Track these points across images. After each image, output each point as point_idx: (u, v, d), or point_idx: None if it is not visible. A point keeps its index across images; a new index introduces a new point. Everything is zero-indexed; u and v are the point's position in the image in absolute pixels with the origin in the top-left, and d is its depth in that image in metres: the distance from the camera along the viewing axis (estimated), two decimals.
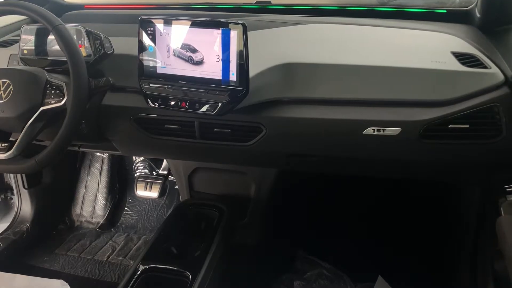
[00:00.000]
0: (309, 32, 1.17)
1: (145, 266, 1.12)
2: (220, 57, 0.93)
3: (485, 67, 0.98)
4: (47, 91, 0.98)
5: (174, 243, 1.21)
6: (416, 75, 0.98)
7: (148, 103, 1.03)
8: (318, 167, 1.22)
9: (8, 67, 1.14)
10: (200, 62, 0.95)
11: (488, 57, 1.01)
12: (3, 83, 0.99)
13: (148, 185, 1.58)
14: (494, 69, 0.98)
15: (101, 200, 1.98)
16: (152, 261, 1.14)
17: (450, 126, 0.96)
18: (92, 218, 1.97)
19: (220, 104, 0.96)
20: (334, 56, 1.04)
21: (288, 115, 1.01)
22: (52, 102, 0.98)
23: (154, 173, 1.92)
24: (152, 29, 0.97)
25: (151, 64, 1.00)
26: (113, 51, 1.09)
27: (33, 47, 1.09)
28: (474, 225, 1.33)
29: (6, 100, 0.98)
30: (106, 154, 2.01)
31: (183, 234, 1.27)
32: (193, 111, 0.99)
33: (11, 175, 1.75)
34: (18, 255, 1.67)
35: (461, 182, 1.42)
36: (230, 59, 0.92)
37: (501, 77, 0.96)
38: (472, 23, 1.21)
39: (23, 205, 1.75)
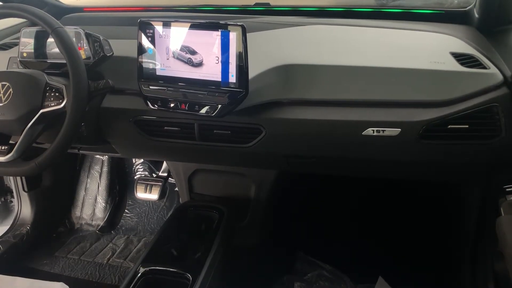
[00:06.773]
0: (308, 33, 1.17)
1: (146, 268, 1.12)
2: (220, 59, 0.93)
3: (484, 68, 0.98)
4: (47, 94, 0.98)
5: (174, 245, 1.21)
6: (415, 76, 0.98)
7: (147, 105, 1.03)
8: (318, 168, 1.22)
9: (8, 70, 1.14)
10: (199, 64, 0.95)
11: (487, 57, 1.01)
12: (3, 86, 0.99)
13: (148, 187, 1.58)
14: (493, 69, 0.98)
15: (101, 203, 1.98)
16: (152, 263, 1.14)
17: (449, 126, 0.96)
18: (92, 220, 1.97)
19: (219, 106, 0.96)
20: (333, 57, 1.04)
21: (288, 117, 1.01)
22: (52, 104, 0.98)
23: (154, 175, 1.92)
24: (151, 31, 0.98)
25: (151, 66, 1.00)
26: (113, 53, 1.10)
27: (33, 50, 1.09)
28: (474, 225, 1.33)
29: (5, 103, 0.98)
30: (106, 156, 2.01)
31: (183, 236, 1.27)
32: (192, 112, 0.99)
33: (11, 178, 1.75)
34: (18, 258, 1.67)
35: (460, 183, 1.42)
36: (230, 61, 0.92)
37: (500, 77, 0.96)
38: (470, 23, 1.21)
39: (23, 208, 1.75)
